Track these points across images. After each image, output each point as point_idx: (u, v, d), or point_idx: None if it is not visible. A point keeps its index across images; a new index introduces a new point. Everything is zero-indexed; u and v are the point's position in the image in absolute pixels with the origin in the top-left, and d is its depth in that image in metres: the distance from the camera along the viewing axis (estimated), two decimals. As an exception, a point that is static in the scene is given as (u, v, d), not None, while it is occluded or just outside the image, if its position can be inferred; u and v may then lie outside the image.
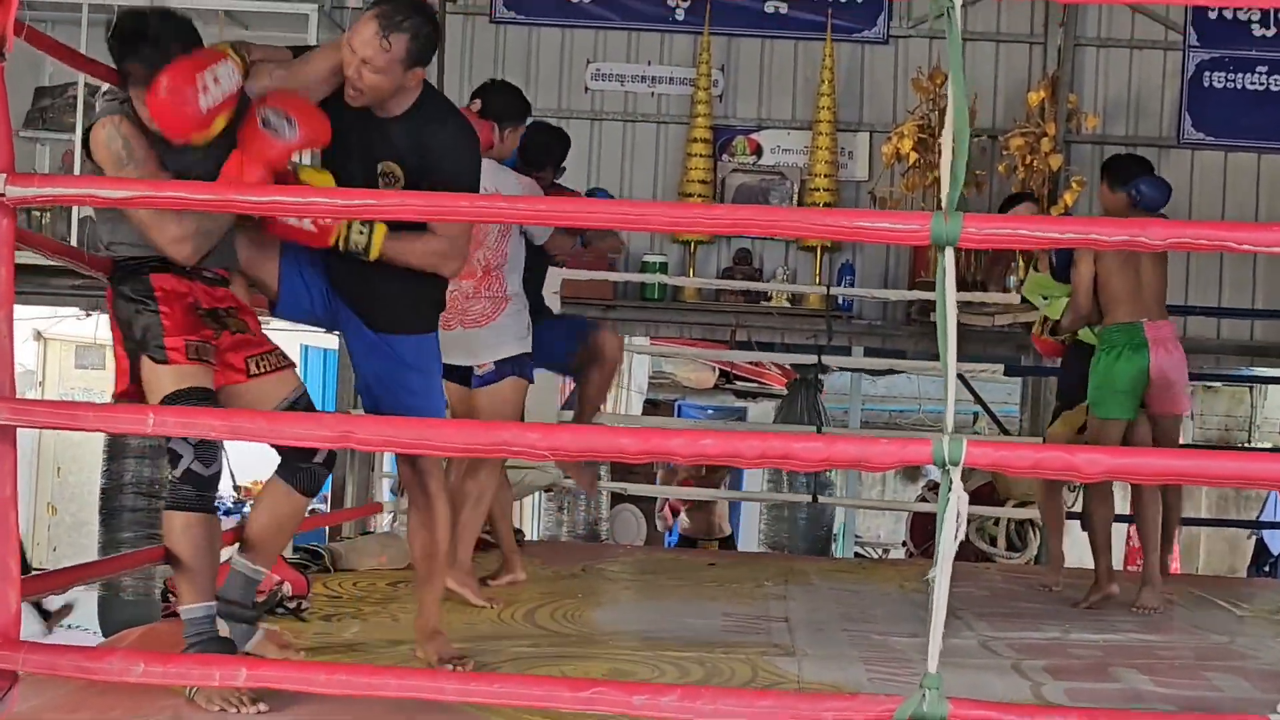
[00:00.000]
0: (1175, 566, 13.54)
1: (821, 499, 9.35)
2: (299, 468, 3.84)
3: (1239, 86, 9.47)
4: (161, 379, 3.58)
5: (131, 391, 3.67)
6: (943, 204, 2.21)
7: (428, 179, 3.86)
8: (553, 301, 6.51)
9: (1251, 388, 15.40)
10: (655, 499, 11.18)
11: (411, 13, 3.80)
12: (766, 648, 4.68)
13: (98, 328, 12.61)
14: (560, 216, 4.04)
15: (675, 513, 11.43)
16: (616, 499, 10.89)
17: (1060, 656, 4.81)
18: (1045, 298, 6.48)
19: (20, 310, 3.59)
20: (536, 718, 3.06)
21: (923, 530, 10.08)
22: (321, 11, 8.98)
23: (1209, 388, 15.24)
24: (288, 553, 5.49)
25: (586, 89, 9.59)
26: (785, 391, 11.66)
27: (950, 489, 2.18)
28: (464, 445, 2.76)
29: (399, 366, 4.10)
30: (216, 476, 3.69)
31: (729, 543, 11.64)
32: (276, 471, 3.89)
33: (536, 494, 10.62)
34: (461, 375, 5.39)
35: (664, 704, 2.20)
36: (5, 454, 2.42)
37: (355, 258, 3.81)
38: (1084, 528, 6.90)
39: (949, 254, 2.15)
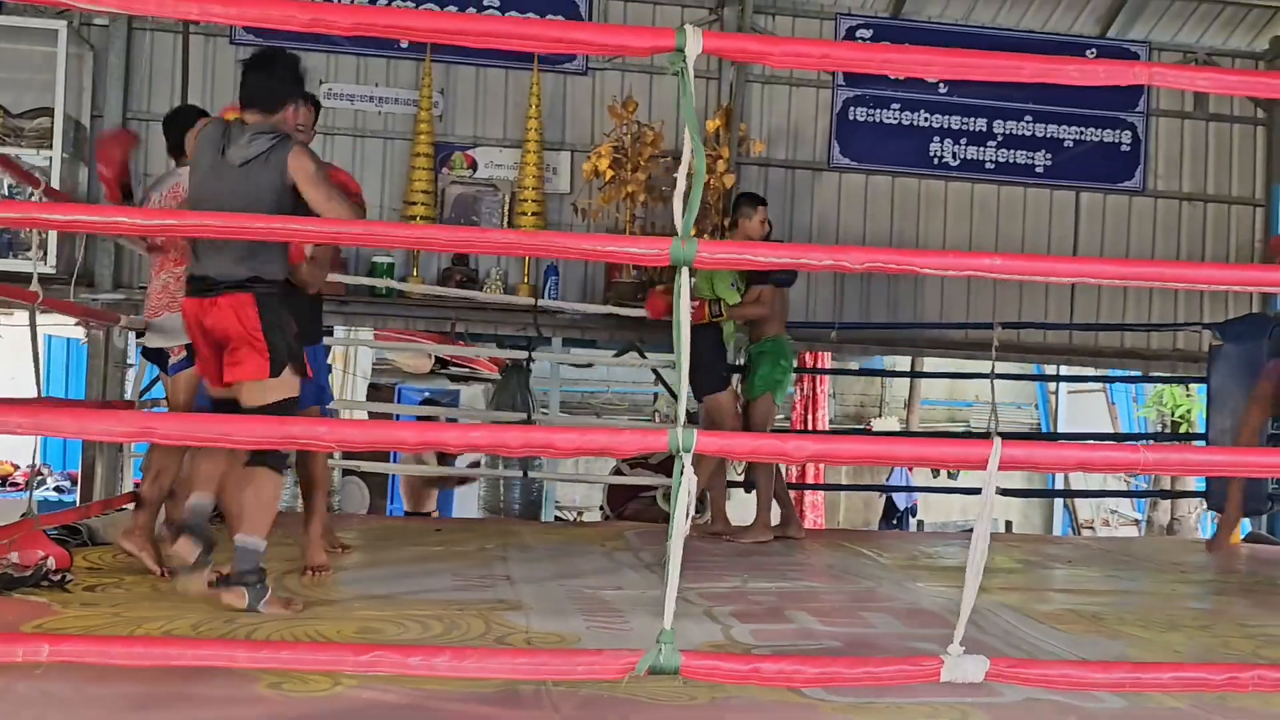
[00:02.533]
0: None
1: (532, 473, 9.37)
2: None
3: (878, 120, 9.90)
4: (293, 385, 4.48)
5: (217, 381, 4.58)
6: (678, 229, 2.26)
7: None
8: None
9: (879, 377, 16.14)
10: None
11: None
12: (495, 603, 4.71)
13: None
14: (327, 236, 3.93)
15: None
16: (345, 473, 10.67)
17: (743, 603, 4.94)
18: (735, 286, 7.11)
19: None
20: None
21: (619, 497, 10.22)
22: (71, 28, 8.56)
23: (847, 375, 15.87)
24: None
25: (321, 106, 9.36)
26: (497, 376, 11.67)
27: (682, 471, 2.22)
28: (251, 438, 2.67)
29: None
30: None
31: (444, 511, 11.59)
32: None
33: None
34: (162, 361, 5.54)
35: (437, 664, 2.19)
36: None
37: None
38: (747, 490, 7.60)
39: (684, 272, 2.20)
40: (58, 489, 12.55)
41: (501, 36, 2.46)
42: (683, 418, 2.28)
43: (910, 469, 14.28)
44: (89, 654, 2.38)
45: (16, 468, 13.50)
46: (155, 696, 3.06)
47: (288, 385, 4.47)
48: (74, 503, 9.58)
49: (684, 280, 2.19)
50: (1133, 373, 10.84)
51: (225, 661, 2.21)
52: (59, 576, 4.71)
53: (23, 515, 5.24)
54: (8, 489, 13.01)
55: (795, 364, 7.68)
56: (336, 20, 2.36)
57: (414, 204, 9.01)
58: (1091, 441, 12.00)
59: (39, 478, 11.85)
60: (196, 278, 4.55)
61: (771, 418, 7.47)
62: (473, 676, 2.48)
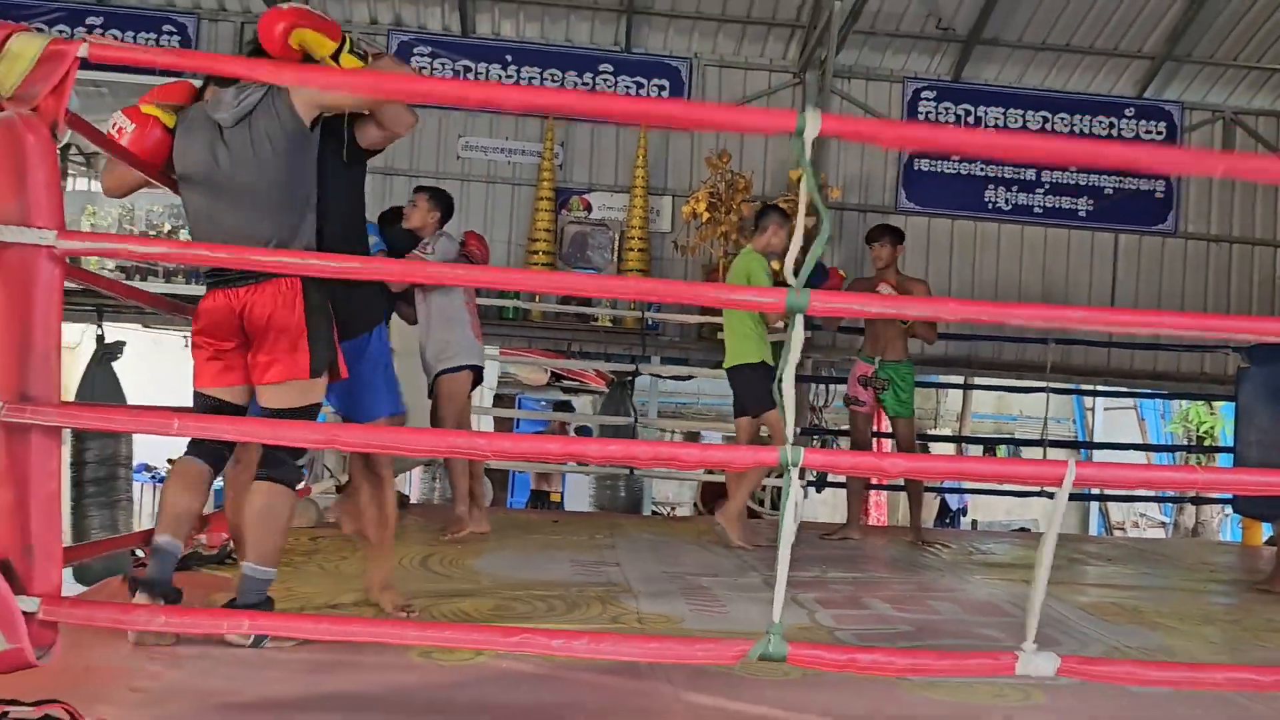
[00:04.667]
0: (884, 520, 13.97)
1: (637, 472, 9.36)
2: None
3: (939, 170, 9.80)
4: (323, 389, 3.43)
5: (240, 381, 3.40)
6: (789, 273, 2.23)
7: None
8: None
9: (935, 390, 15.90)
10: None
11: None
12: (609, 586, 4.69)
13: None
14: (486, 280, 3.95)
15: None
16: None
17: (823, 590, 4.88)
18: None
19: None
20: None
21: (711, 494, 10.17)
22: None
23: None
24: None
25: (458, 157, 9.49)
26: (604, 389, 11.69)
27: (791, 485, 2.20)
28: (430, 448, 2.69)
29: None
30: None
31: (560, 503, 11.66)
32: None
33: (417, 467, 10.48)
34: None
35: (578, 647, 2.19)
36: (52, 451, 2.30)
37: None
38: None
39: (799, 319, 2.18)
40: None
41: (650, 116, 2.46)
42: (791, 436, 2.25)
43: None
44: (280, 628, 2.41)
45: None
46: (325, 663, 3.09)
47: (319, 389, 3.42)
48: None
49: (798, 324, 2.17)
50: (1164, 392, 10.62)
51: (394, 639, 2.22)
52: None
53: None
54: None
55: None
56: (506, 98, 2.38)
57: (536, 240, 9.09)
58: (1127, 454, 11.77)
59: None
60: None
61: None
62: (606, 658, 2.48)
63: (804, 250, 2.23)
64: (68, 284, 2.46)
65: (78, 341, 10.77)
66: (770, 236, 6.22)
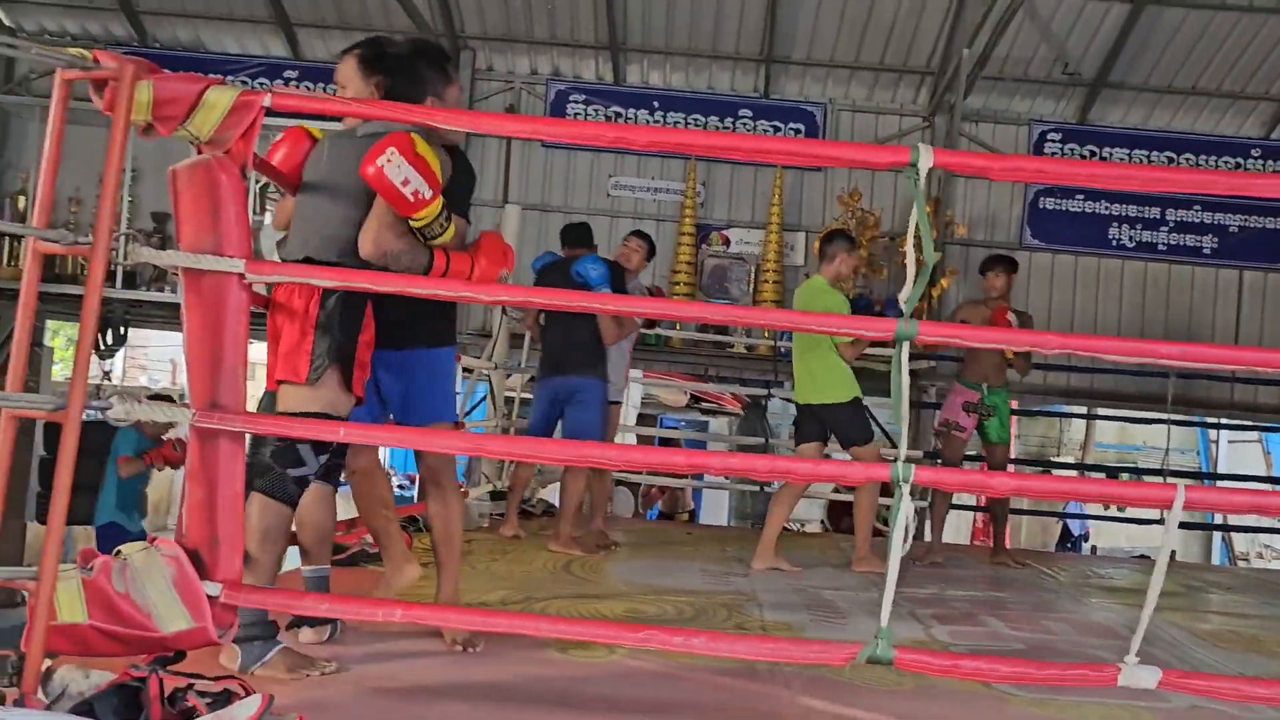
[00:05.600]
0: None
1: (768, 488, 9.32)
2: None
3: (1065, 209, 9.56)
4: (332, 401, 2.94)
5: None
6: (902, 308, 2.23)
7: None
8: None
9: (1060, 419, 15.42)
10: (639, 484, 11.11)
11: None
12: (736, 595, 4.68)
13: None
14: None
15: (654, 496, 11.37)
16: (615, 482, 10.82)
17: (941, 607, 4.78)
18: None
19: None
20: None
21: (837, 513, 10.06)
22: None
23: (1030, 414, 15.27)
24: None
25: (608, 194, 9.64)
26: (739, 411, 11.69)
27: (901, 500, 2.18)
28: (559, 457, 2.74)
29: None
30: None
31: (694, 516, 11.61)
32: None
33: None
34: None
35: (696, 644, 2.20)
36: (237, 454, 2.42)
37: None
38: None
39: (905, 346, 2.17)
40: (400, 487, 13.09)
41: (772, 154, 2.47)
42: (904, 453, 2.24)
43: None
44: (430, 617, 2.49)
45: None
46: (469, 654, 3.19)
47: (321, 399, 2.91)
48: (413, 499, 10.00)
49: (903, 353, 2.16)
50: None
51: (533, 631, 2.27)
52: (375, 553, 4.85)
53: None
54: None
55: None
56: (635, 138, 2.43)
57: (678, 272, 9.17)
58: (1254, 485, 11.22)
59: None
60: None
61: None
62: (723, 656, 2.49)
63: (914, 281, 2.22)
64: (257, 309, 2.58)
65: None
66: (839, 265, 5.77)
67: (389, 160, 2.79)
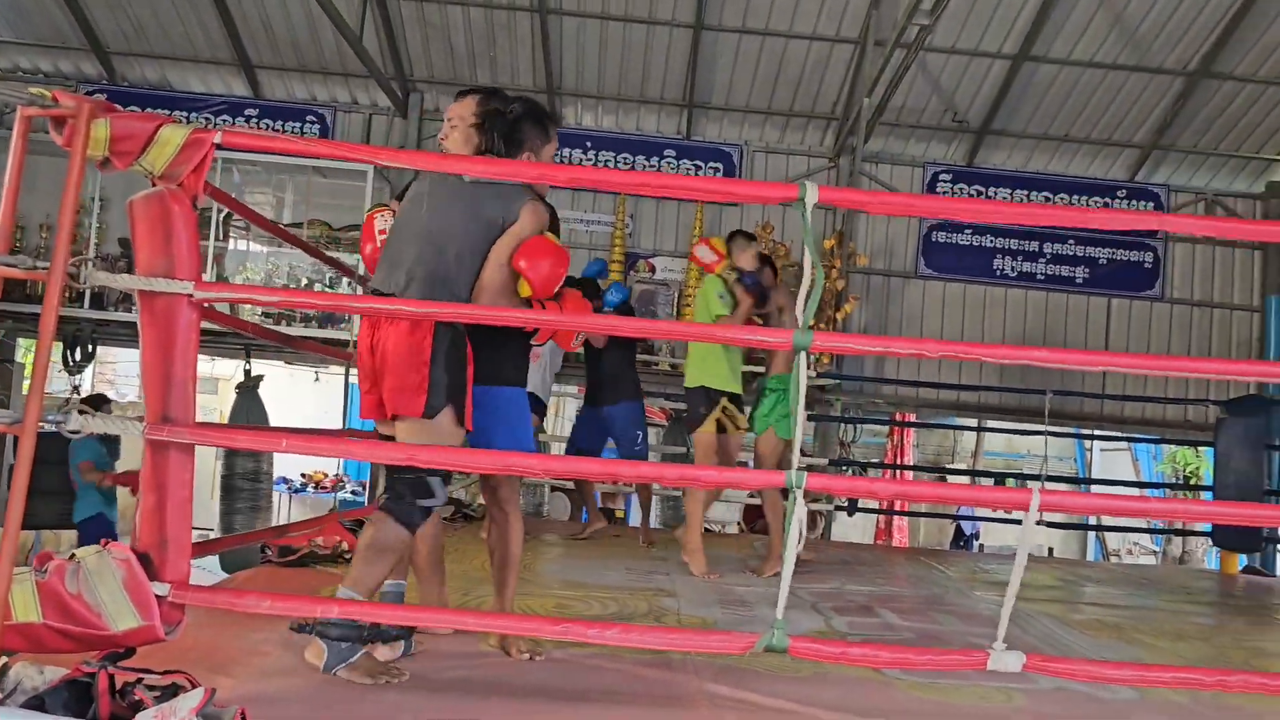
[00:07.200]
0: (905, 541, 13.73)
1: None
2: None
3: (954, 241, 9.75)
4: (448, 433, 2.87)
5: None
6: (798, 323, 2.26)
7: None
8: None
9: (953, 430, 15.66)
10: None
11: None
12: (656, 591, 4.68)
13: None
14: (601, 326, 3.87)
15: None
16: (552, 489, 10.79)
17: (840, 600, 4.83)
18: (721, 297, 5.42)
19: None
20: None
21: (751, 515, 10.10)
22: (375, 169, 8.93)
23: (927, 426, 15.51)
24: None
25: (544, 226, 9.62)
26: (664, 423, 11.69)
27: (795, 505, 2.21)
28: (493, 466, 2.70)
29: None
30: None
31: (624, 520, 11.60)
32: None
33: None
34: None
35: (609, 635, 2.21)
36: (187, 464, 2.39)
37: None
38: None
39: (803, 356, 2.21)
40: (353, 492, 12.92)
41: (680, 189, 2.50)
42: (796, 461, 2.27)
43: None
44: (359, 613, 2.46)
45: (325, 475, 13.97)
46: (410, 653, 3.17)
47: (438, 433, 2.84)
48: (363, 503, 9.87)
49: (802, 361, 2.20)
50: (1154, 436, 10.39)
51: (465, 626, 2.25)
52: (349, 557, 4.81)
53: (329, 510, 5.40)
54: (318, 491, 13.45)
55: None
56: (556, 175, 2.44)
57: (609, 297, 9.16)
58: (1117, 491, 11.49)
59: (340, 483, 12.28)
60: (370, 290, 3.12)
61: (777, 453, 5.66)
62: (636, 646, 2.49)
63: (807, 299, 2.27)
64: (220, 327, 2.55)
65: (232, 374, 11.06)
66: (738, 259, 5.48)
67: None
